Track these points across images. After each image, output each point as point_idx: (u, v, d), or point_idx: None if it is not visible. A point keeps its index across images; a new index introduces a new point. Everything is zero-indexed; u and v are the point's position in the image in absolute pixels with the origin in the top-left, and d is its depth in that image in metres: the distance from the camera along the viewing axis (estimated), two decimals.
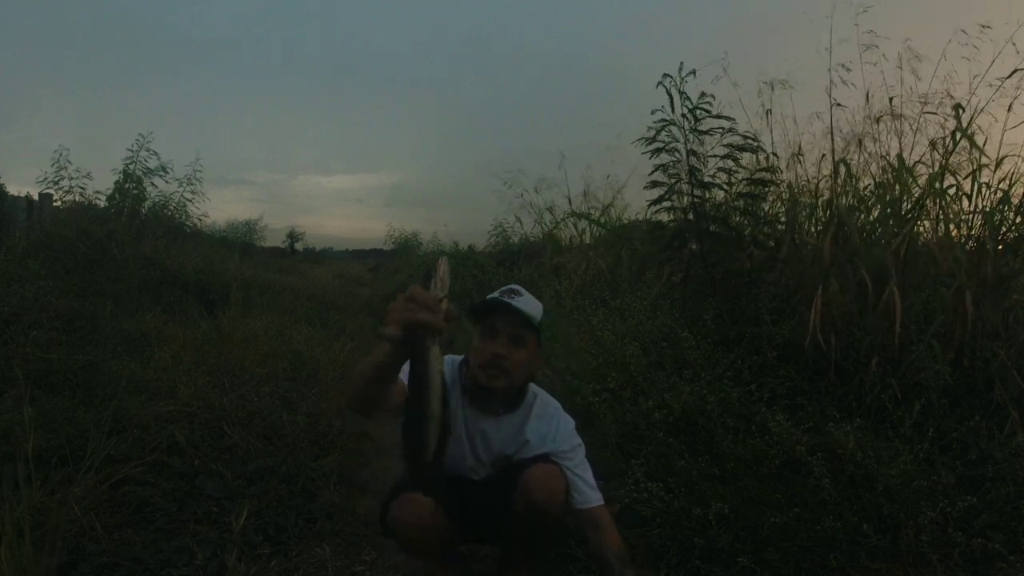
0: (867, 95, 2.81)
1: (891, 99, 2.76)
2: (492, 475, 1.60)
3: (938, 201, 2.60)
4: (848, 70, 2.78)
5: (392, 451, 2.96)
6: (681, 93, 2.80)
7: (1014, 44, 2.48)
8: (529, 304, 1.54)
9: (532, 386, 1.62)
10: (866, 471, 1.89)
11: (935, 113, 2.64)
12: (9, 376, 2.70)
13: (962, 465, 1.97)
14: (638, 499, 1.82)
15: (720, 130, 2.86)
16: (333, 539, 2.07)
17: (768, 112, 2.99)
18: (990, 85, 2.52)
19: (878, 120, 2.79)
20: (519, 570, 1.69)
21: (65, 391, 2.75)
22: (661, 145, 2.87)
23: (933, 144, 2.64)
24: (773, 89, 2.94)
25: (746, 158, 2.95)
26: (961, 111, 2.54)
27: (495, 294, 1.56)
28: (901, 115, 2.73)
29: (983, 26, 2.54)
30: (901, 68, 2.74)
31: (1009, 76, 2.49)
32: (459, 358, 1.63)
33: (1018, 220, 2.53)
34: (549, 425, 1.59)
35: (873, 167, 2.84)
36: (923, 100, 2.68)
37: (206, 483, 2.25)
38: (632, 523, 1.84)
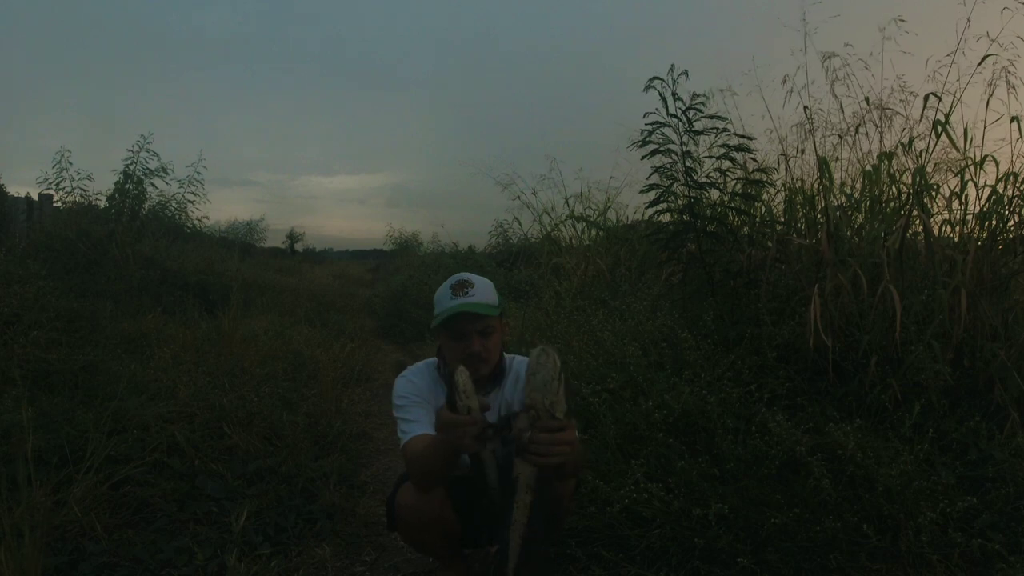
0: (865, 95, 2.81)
1: (876, 97, 2.76)
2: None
3: (926, 199, 2.59)
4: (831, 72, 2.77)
5: (392, 451, 2.96)
6: (674, 95, 2.79)
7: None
8: (484, 293, 1.53)
9: (506, 356, 1.64)
10: (866, 471, 1.89)
11: (937, 91, 2.59)
12: (9, 376, 2.70)
13: (962, 465, 1.97)
14: (638, 499, 1.81)
15: (714, 130, 2.85)
16: (333, 539, 2.07)
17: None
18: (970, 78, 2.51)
19: (857, 128, 2.79)
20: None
21: (65, 391, 2.75)
22: (656, 147, 2.86)
23: (911, 141, 2.64)
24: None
25: (742, 157, 2.94)
26: (938, 99, 2.53)
27: (447, 295, 1.53)
28: (889, 108, 2.71)
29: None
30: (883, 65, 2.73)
31: (980, 63, 2.47)
32: (432, 362, 1.65)
33: (1012, 223, 2.52)
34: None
35: (867, 165, 2.84)
36: (913, 94, 2.67)
37: (206, 483, 2.25)
38: (632, 523, 1.84)
